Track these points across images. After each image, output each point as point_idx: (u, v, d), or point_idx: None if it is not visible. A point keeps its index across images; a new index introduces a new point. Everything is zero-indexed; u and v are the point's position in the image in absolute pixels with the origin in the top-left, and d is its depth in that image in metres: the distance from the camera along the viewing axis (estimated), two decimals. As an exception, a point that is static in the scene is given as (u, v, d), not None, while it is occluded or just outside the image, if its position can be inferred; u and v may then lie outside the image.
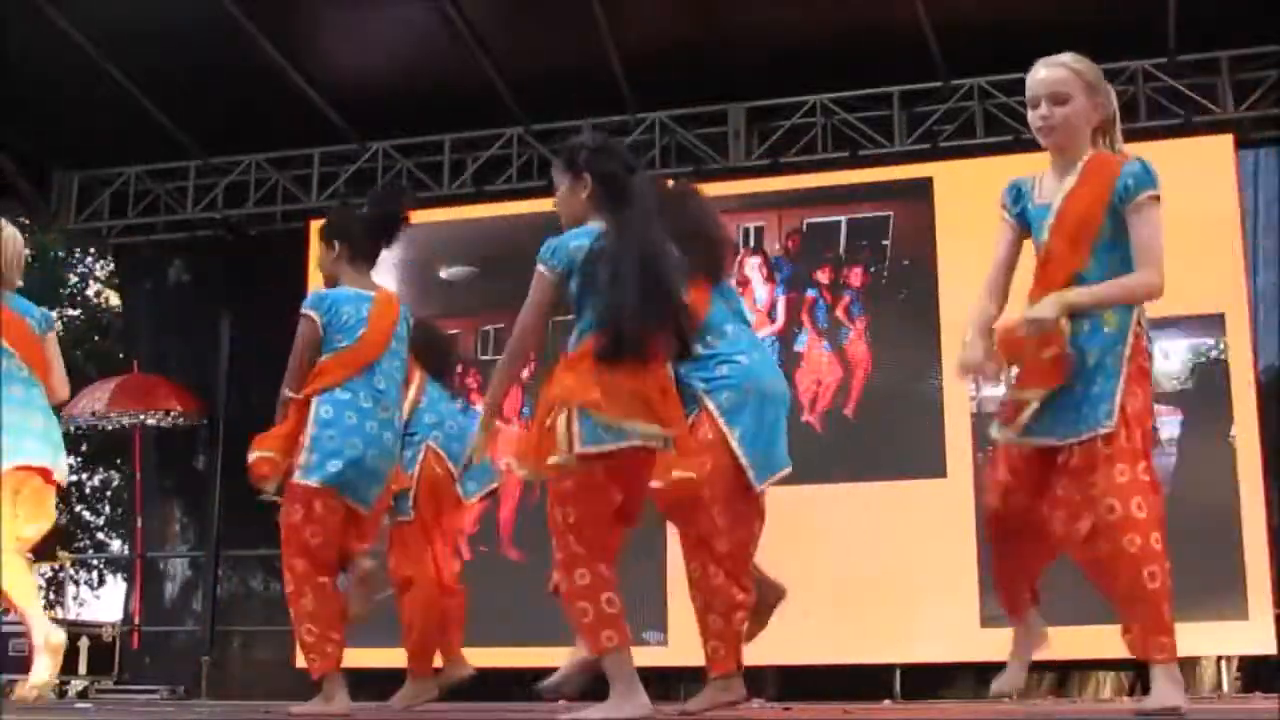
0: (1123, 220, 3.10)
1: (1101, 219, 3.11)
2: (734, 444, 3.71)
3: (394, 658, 5.41)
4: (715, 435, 3.71)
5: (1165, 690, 2.99)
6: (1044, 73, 3.20)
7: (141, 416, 8.98)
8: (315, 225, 4.37)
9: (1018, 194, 3.29)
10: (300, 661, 4.13)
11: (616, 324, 3.15)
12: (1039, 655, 3.48)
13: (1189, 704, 3.02)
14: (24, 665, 4.80)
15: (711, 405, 3.72)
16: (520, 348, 3.36)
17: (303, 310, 4.18)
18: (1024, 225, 3.28)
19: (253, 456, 4.02)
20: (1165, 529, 3.02)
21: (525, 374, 7.79)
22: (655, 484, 3.35)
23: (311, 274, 7.51)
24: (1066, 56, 3.21)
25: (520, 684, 7.10)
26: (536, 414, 3.24)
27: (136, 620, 9.00)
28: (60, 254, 14.89)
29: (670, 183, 4.12)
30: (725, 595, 3.68)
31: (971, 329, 3.26)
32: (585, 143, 3.44)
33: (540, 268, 3.27)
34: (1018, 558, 3.32)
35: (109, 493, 15.81)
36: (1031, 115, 3.21)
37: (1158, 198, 3.09)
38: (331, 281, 4.29)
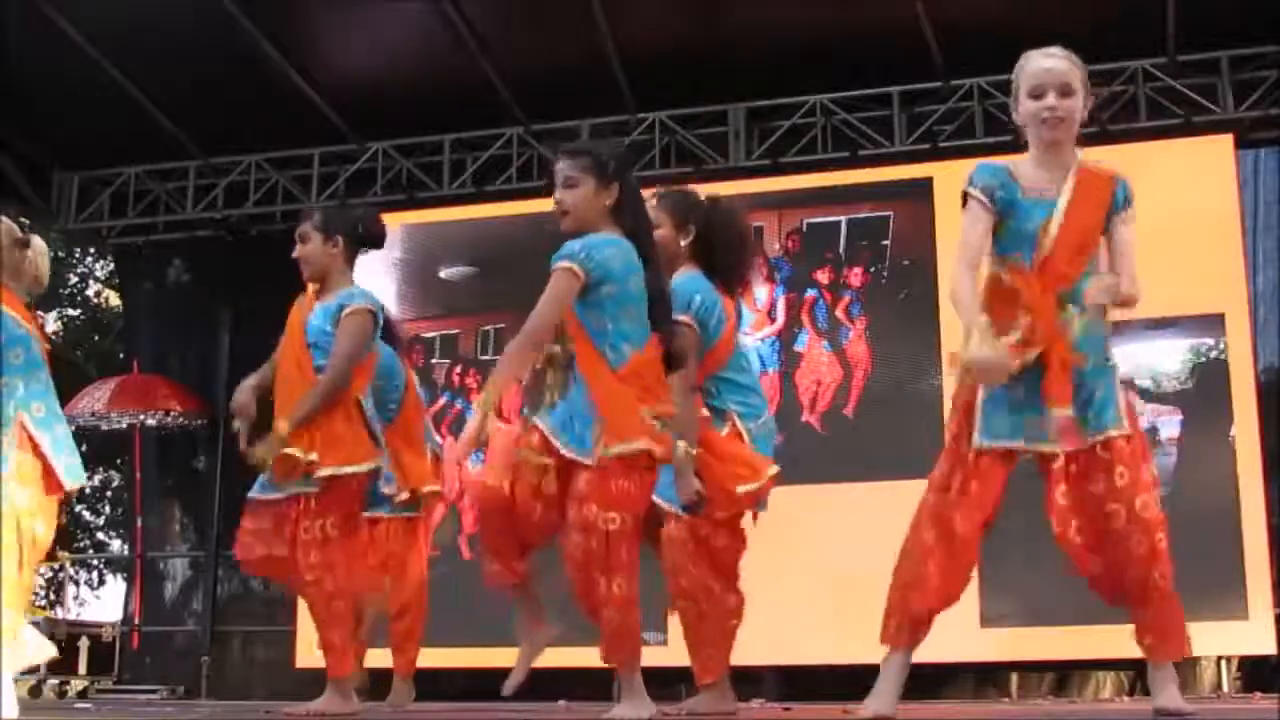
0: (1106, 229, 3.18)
1: (1102, 232, 3.16)
2: None
3: (382, 658, 5.43)
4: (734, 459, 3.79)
5: (1173, 690, 3.02)
6: (1050, 63, 3.13)
7: (141, 416, 8.98)
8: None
9: (1004, 180, 3.15)
10: (300, 662, 4.13)
11: (676, 339, 3.42)
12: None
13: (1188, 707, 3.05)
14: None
15: (742, 428, 3.80)
16: (538, 341, 3.26)
17: (367, 306, 4.15)
18: (1003, 212, 3.14)
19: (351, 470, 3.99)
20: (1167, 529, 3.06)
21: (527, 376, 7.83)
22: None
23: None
24: (1063, 50, 3.17)
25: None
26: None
27: (136, 620, 8.99)
28: (60, 254, 14.89)
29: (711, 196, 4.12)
30: (724, 602, 3.77)
31: (978, 321, 2.98)
32: (615, 151, 3.43)
33: (570, 265, 3.21)
34: (958, 575, 3.10)
35: (109, 493, 15.81)
36: (1035, 106, 3.12)
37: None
38: (318, 275, 4.24)
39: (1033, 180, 3.16)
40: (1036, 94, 3.12)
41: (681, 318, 3.65)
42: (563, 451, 3.21)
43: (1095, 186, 3.15)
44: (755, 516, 3.88)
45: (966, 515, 3.05)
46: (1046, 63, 3.14)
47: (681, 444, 3.43)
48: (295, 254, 4.27)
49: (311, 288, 4.28)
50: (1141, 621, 3.07)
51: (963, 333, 3.00)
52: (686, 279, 3.78)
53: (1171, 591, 3.03)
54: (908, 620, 3.13)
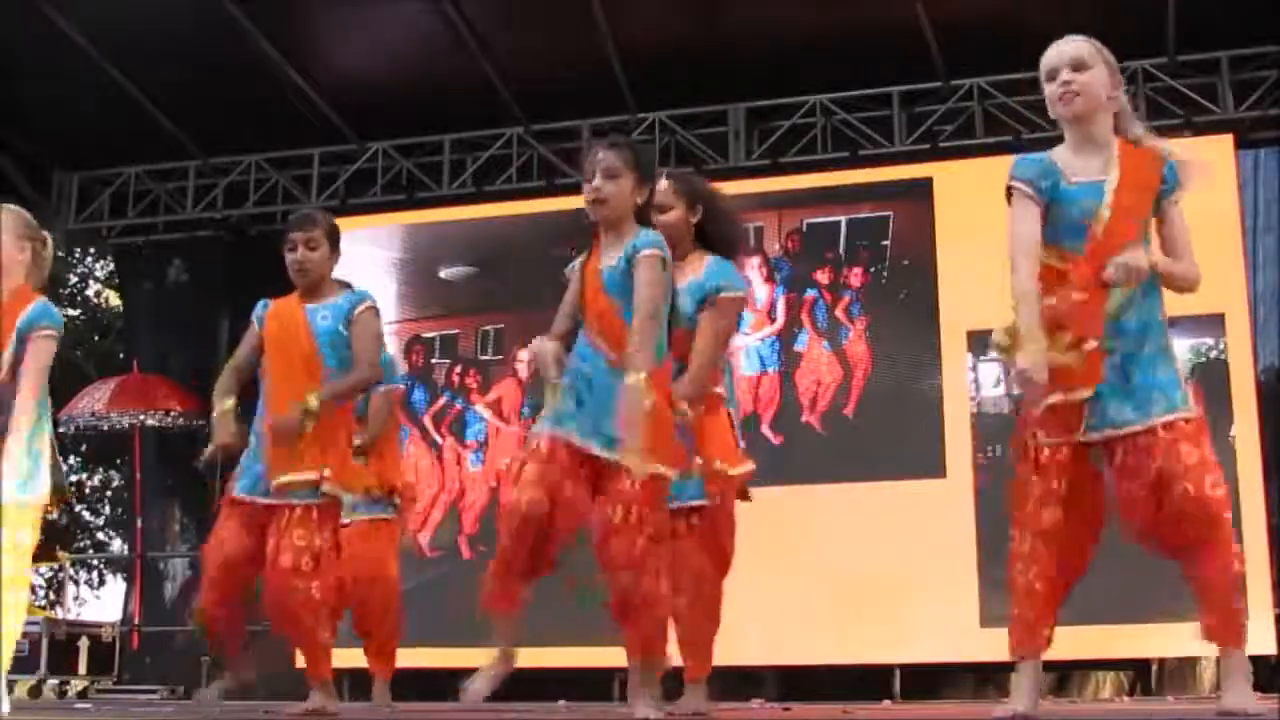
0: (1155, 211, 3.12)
1: (1149, 209, 3.10)
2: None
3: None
4: (735, 440, 3.81)
5: (1243, 688, 3.06)
6: (1062, 46, 3.13)
7: (141, 416, 8.98)
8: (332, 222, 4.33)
9: (1048, 169, 3.11)
10: (300, 662, 4.13)
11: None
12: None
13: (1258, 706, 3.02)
14: (21, 665, 4.80)
15: (730, 413, 3.82)
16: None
17: (374, 303, 4.17)
18: (1050, 202, 3.09)
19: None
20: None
21: (527, 375, 7.81)
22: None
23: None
24: (1082, 37, 3.15)
25: (515, 684, 7.11)
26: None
27: (136, 620, 8.99)
28: (60, 254, 14.88)
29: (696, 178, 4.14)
30: (719, 596, 3.78)
31: (1034, 328, 2.97)
32: (651, 152, 3.49)
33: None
34: (1064, 573, 3.12)
35: (109, 493, 15.82)
36: (1051, 88, 3.10)
37: None
38: (315, 282, 4.18)
39: (1075, 166, 3.11)
40: (1051, 76, 3.12)
41: (741, 293, 3.76)
42: (601, 455, 3.18)
43: (1141, 166, 3.09)
44: (748, 495, 3.87)
45: (1046, 509, 3.09)
46: (1058, 47, 3.14)
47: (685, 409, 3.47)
48: (299, 258, 4.14)
49: (295, 293, 4.24)
50: (1206, 604, 3.13)
51: (1021, 331, 2.98)
52: (727, 264, 3.79)
53: (1237, 575, 3.17)
54: (1032, 631, 3.21)
